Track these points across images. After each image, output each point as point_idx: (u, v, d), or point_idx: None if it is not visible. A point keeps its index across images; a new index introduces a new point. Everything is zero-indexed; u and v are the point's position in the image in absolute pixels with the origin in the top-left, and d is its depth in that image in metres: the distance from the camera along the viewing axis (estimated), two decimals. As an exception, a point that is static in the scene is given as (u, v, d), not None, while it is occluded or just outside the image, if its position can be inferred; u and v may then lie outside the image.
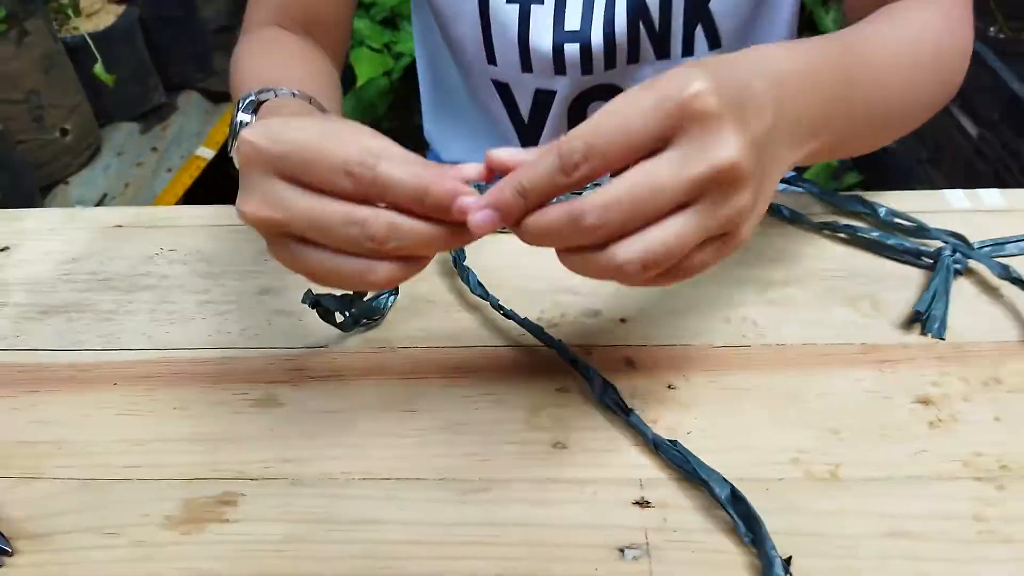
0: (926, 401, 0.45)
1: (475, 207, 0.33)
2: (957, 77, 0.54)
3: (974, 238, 0.54)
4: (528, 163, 0.33)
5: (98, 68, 1.36)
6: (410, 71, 1.69)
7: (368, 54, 1.57)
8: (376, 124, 1.80)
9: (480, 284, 0.52)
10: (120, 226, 0.61)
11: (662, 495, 0.41)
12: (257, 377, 0.48)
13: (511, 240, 0.56)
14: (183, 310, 0.54)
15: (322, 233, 0.34)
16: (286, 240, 0.36)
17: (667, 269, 0.33)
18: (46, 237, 0.60)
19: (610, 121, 0.32)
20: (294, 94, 0.46)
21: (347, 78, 1.54)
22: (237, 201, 0.36)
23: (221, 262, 0.57)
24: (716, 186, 0.32)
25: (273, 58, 0.58)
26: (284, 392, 0.48)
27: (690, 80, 0.31)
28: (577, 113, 0.70)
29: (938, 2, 0.54)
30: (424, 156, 0.88)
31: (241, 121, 0.45)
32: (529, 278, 0.54)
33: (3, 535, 0.41)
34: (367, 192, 0.34)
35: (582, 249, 0.34)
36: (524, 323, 0.50)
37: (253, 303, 0.54)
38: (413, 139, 2.04)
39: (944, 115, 1.35)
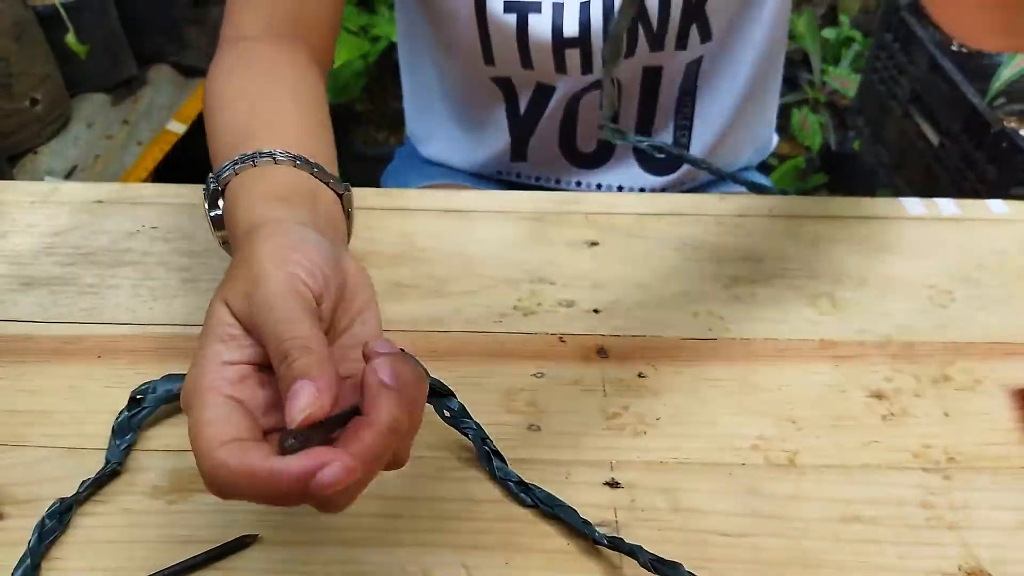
0: (879, 395, 0.48)
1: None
2: None
3: (929, 242, 0.57)
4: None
5: (70, 38, 1.34)
6: (386, 55, 1.69)
7: (344, 36, 1.57)
8: (351, 106, 1.80)
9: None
10: (101, 201, 0.61)
11: (631, 477, 0.43)
12: (241, 354, 0.49)
13: (490, 231, 0.58)
14: (166, 287, 0.54)
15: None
16: None
17: None
18: (27, 210, 0.60)
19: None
20: (276, 159, 0.42)
21: (323, 59, 1.53)
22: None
23: (203, 241, 0.58)
24: None
25: (253, 90, 0.50)
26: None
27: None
28: (572, 108, 0.72)
29: None
30: (402, 144, 0.89)
31: (212, 216, 0.43)
32: (508, 267, 0.56)
33: (-10, 500, 0.42)
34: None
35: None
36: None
37: (237, 282, 0.54)
38: (389, 123, 2.02)
39: (908, 122, 1.39)
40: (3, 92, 1.30)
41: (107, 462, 0.43)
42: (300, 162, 0.42)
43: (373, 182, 0.85)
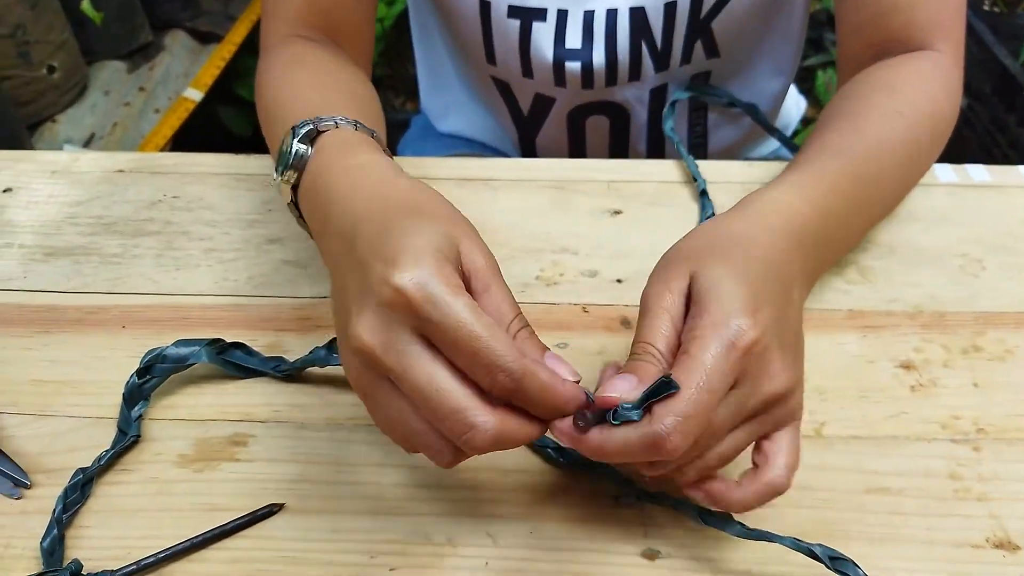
0: (908, 366, 0.47)
1: (575, 434, 0.34)
2: (947, 136, 0.55)
3: (960, 210, 0.56)
4: (627, 440, 0.33)
5: (85, 4, 1.33)
6: (403, 18, 1.67)
7: None
8: (368, 72, 1.78)
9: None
10: (122, 171, 0.61)
11: (655, 448, 0.43)
12: (265, 325, 0.50)
13: (511, 200, 0.58)
14: (189, 257, 0.54)
15: (424, 406, 0.33)
16: (376, 382, 0.34)
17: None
18: (49, 180, 0.60)
19: (694, 391, 0.33)
20: (355, 126, 0.44)
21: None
22: (353, 321, 0.33)
23: (226, 210, 0.58)
24: (767, 408, 0.36)
25: (316, 81, 0.53)
26: (290, 340, 0.49)
27: (743, 326, 0.34)
28: (576, 124, 0.70)
29: (938, 63, 0.55)
30: (416, 114, 0.88)
31: (298, 151, 0.42)
32: (529, 237, 0.55)
33: (20, 468, 0.42)
34: (498, 395, 0.33)
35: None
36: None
37: (259, 252, 0.54)
38: (404, 89, 2.00)
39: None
40: (20, 60, 1.30)
41: (119, 431, 0.44)
42: (375, 135, 0.44)
43: (390, 149, 0.84)
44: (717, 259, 0.37)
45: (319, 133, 0.42)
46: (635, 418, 0.32)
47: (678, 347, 0.35)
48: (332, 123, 0.43)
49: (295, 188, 0.42)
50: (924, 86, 0.53)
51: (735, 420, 0.35)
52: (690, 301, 0.36)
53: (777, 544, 0.37)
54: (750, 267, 0.37)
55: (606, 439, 0.33)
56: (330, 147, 0.42)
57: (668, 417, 0.32)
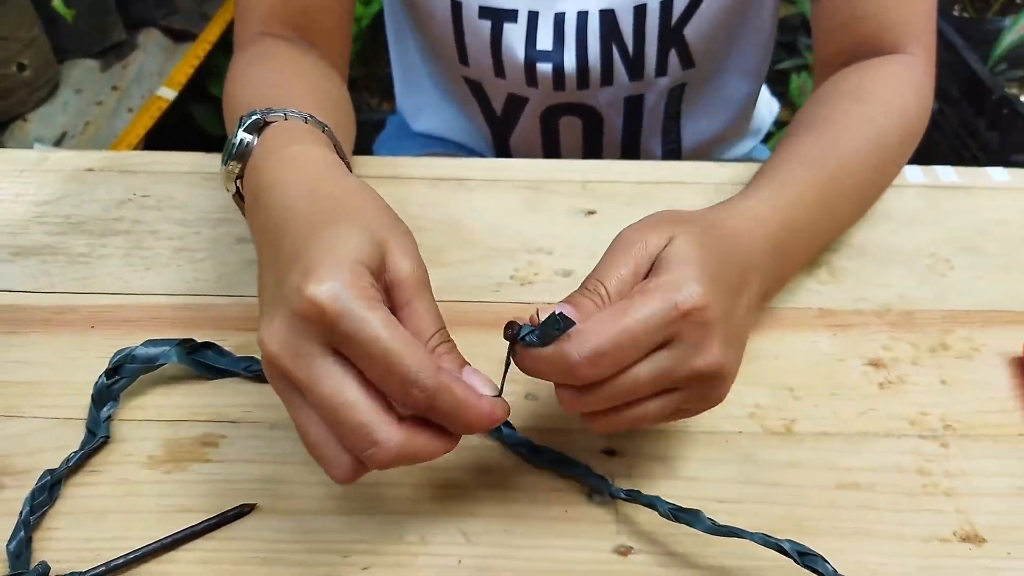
0: (876, 364, 0.48)
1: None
2: (917, 142, 0.56)
3: (929, 210, 0.57)
4: (539, 357, 0.35)
5: (56, 1, 1.31)
6: (380, 18, 1.66)
7: (337, 0, 1.54)
8: (343, 72, 1.77)
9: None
10: (91, 170, 0.60)
11: (628, 445, 0.43)
12: (235, 324, 0.49)
13: (486, 200, 0.58)
14: (158, 256, 0.54)
15: (329, 419, 0.33)
16: (288, 389, 0.34)
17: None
18: (17, 179, 0.59)
19: (619, 332, 0.34)
20: (306, 119, 0.43)
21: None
22: (262, 327, 0.33)
23: (195, 209, 0.57)
24: (692, 381, 0.36)
25: (276, 76, 0.52)
26: (262, 339, 0.48)
27: (692, 293, 0.35)
28: (550, 124, 0.70)
29: (909, 67, 0.56)
30: (392, 113, 0.88)
31: (242, 140, 0.41)
32: (504, 237, 0.55)
33: (-15, 471, 0.42)
34: (411, 411, 0.33)
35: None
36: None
37: (228, 251, 0.54)
38: (380, 89, 1.99)
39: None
40: (-11, 57, 1.28)
41: (88, 432, 0.43)
42: (326, 130, 0.43)
43: (365, 149, 0.84)
44: (693, 234, 0.37)
45: (266, 124, 0.42)
46: (536, 343, 0.34)
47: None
48: (281, 115, 0.42)
49: (241, 179, 0.42)
50: (895, 90, 0.54)
51: (659, 381, 0.35)
52: (656, 263, 0.37)
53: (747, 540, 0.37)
54: (721, 254, 0.38)
55: (528, 353, 0.35)
56: (273, 137, 0.41)
57: (585, 347, 0.33)
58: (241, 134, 0.41)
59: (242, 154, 0.41)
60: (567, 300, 0.36)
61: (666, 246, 0.37)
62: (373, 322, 0.31)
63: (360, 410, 0.32)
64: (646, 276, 0.37)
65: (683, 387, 0.36)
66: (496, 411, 0.34)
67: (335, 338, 0.32)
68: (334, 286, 0.32)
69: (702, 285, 0.35)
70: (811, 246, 0.49)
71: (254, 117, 0.41)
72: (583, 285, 0.37)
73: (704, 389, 0.37)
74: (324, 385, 0.32)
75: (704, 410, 0.38)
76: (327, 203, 0.36)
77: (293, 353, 0.32)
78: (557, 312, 0.33)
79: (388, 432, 0.32)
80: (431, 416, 0.33)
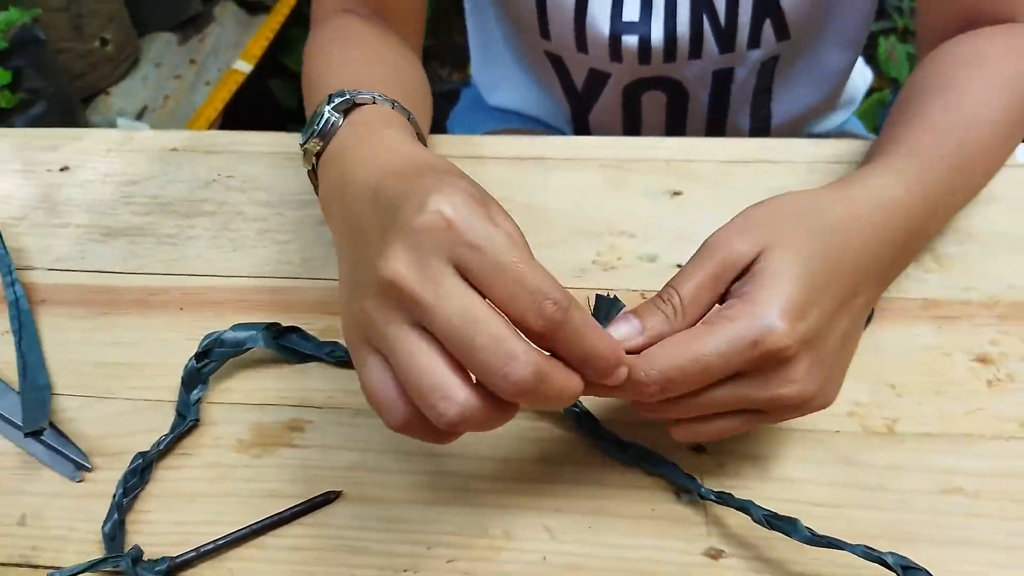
0: (984, 359, 0.45)
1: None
2: None
3: (1043, 194, 0.53)
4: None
5: (137, -24, 1.34)
6: (450, -12, 1.65)
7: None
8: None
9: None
10: (175, 149, 0.61)
11: (717, 443, 0.42)
12: (321, 308, 0.49)
13: (564, 179, 0.56)
14: (244, 238, 0.54)
15: (457, 339, 0.29)
16: (399, 324, 0.31)
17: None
18: (104, 159, 0.60)
19: (690, 361, 0.33)
20: (393, 104, 0.42)
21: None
22: (385, 252, 0.31)
23: (279, 191, 0.57)
24: (774, 407, 0.35)
25: (357, 57, 0.51)
26: (345, 323, 0.48)
27: (774, 332, 0.33)
28: (632, 100, 0.67)
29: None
30: (467, 83, 0.87)
31: (328, 120, 0.40)
32: (585, 219, 0.54)
33: (81, 451, 0.43)
34: (540, 330, 0.30)
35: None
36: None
37: (313, 233, 0.54)
38: (451, 59, 1.98)
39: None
40: (74, 33, 1.32)
41: (178, 414, 0.44)
42: (411, 118, 0.43)
43: (438, 122, 0.83)
44: (793, 242, 0.35)
45: (355, 106, 0.41)
46: None
47: (707, 307, 0.35)
48: (370, 98, 0.41)
49: (319, 156, 0.41)
50: (1014, 61, 0.50)
51: (739, 403, 0.35)
52: (750, 267, 0.35)
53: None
54: (821, 265, 0.35)
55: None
56: (362, 121, 0.40)
57: (654, 370, 0.33)
58: (328, 112, 0.40)
59: (326, 133, 0.40)
60: (636, 312, 0.35)
61: (759, 257, 0.35)
62: (500, 233, 0.30)
63: (496, 323, 0.29)
64: (733, 283, 0.35)
65: (765, 408, 0.35)
66: (621, 353, 0.32)
67: (462, 253, 0.30)
68: (459, 200, 0.30)
69: (786, 320, 0.33)
70: (938, 223, 0.45)
71: (344, 97, 0.41)
72: (658, 293, 0.35)
73: (789, 411, 0.35)
74: (456, 300, 0.29)
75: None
76: (425, 162, 0.35)
77: (420, 272, 0.30)
78: (610, 296, 0.33)
79: (525, 347, 0.29)
80: (559, 345, 0.30)
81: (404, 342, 0.30)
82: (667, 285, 0.35)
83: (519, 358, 0.29)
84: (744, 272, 0.35)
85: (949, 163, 0.43)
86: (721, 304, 0.35)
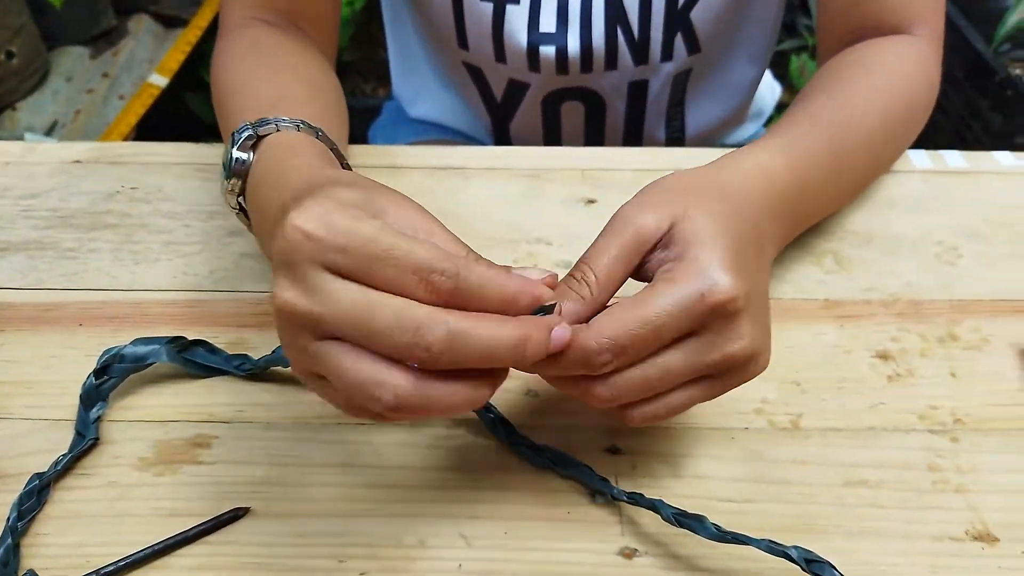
0: (885, 356, 0.47)
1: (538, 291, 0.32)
2: (924, 120, 0.56)
3: (935, 197, 0.55)
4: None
5: (44, -13, 1.29)
6: (373, 1, 1.64)
7: (330, -17, 1.52)
8: (337, 56, 1.75)
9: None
10: (79, 161, 0.59)
11: (631, 443, 0.42)
12: (227, 320, 0.48)
13: (484, 189, 0.56)
14: (148, 250, 0.52)
15: (361, 332, 0.30)
16: (313, 343, 0.31)
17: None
18: (3, 172, 0.58)
19: (640, 324, 0.33)
20: (298, 126, 0.42)
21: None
22: (273, 287, 0.31)
23: (185, 202, 0.56)
24: (726, 367, 0.35)
25: (266, 73, 0.50)
26: (253, 336, 0.47)
27: (719, 284, 0.33)
28: (551, 109, 0.68)
29: (914, 46, 0.55)
30: (387, 99, 0.86)
31: (238, 158, 0.40)
32: (503, 227, 0.54)
33: (-29, 476, 0.41)
34: (437, 302, 0.30)
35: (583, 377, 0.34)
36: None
37: (220, 245, 0.53)
38: (375, 74, 1.97)
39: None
40: (-23, 45, 1.26)
41: (77, 433, 0.42)
42: (320, 135, 0.42)
43: (360, 136, 0.82)
44: (706, 208, 0.36)
45: (259, 138, 0.41)
46: None
47: (621, 282, 0.35)
48: (273, 126, 0.41)
49: (243, 195, 0.41)
50: (899, 66, 0.54)
51: (692, 369, 0.34)
52: (664, 238, 0.35)
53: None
54: (738, 225, 0.36)
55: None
56: (271, 152, 0.40)
57: (604, 337, 0.32)
58: (236, 152, 0.40)
59: (239, 172, 0.41)
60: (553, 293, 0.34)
61: (673, 227, 0.35)
62: (365, 227, 0.30)
63: (390, 300, 0.29)
64: (646, 256, 0.35)
65: (717, 371, 0.35)
66: (532, 289, 0.31)
67: (333, 259, 0.30)
68: (318, 211, 0.30)
69: (728, 273, 0.33)
70: (818, 208, 0.49)
71: (246, 134, 0.41)
72: (570, 272, 0.35)
73: (739, 371, 0.35)
74: (343, 298, 0.30)
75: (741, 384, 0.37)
76: (313, 185, 0.34)
77: (300, 290, 0.30)
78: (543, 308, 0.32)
79: (428, 311, 0.29)
80: (467, 307, 0.30)
81: (324, 357, 0.31)
82: (580, 261, 0.35)
83: (423, 323, 0.29)
84: (656, 246, 0.35)
85: (826, 147, 0.46)
86: (636, 279, 0.36)
